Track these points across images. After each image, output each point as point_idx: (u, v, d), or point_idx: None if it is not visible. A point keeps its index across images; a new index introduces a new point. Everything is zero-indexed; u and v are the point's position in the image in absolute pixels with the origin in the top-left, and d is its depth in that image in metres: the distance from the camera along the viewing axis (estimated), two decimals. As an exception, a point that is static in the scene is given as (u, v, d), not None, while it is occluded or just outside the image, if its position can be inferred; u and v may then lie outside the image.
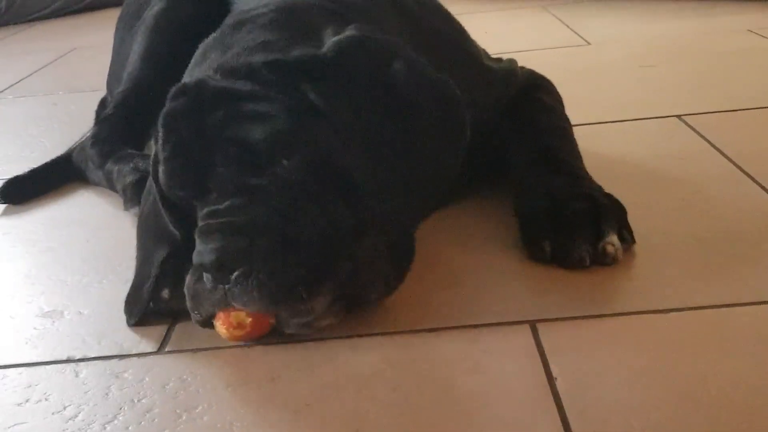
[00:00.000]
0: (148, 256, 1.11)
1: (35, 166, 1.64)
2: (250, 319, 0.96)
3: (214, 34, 1.16)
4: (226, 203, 0.96)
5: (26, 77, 2.71)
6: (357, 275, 0.96)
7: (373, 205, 0.99)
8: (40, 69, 2.82)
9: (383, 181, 1.01)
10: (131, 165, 1.48)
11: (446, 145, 1.08)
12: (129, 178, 1.45)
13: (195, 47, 1.60)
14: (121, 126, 1.60)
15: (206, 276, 0.93)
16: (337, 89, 1.01)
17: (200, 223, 0.98)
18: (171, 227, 1.07)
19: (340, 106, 1.01)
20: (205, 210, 0.98)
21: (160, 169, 1.03)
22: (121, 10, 1.84)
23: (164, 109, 1.02)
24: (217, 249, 0.92)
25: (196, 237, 0.96)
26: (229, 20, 1.17)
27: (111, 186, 1.53)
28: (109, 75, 1.83)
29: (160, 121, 1.02)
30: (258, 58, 1.03)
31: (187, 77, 1.11)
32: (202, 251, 0.94)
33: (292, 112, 0.99)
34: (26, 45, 3.34)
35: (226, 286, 0.92)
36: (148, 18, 1.65)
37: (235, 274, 0.91)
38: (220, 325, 0.97)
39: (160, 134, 1.02)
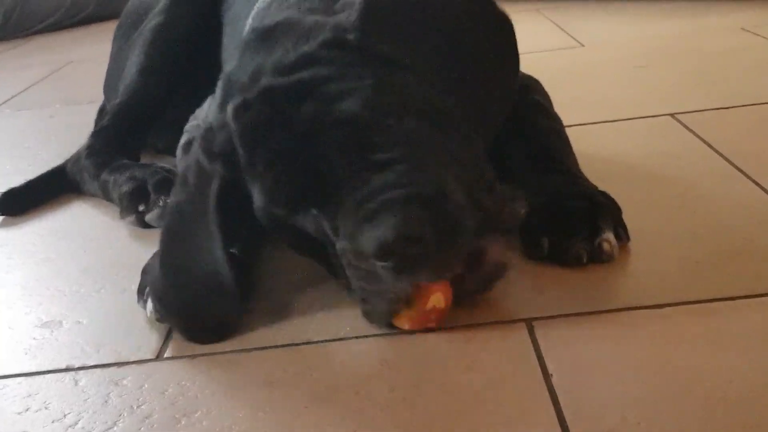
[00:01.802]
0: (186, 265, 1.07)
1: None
2: (443, 299, 0.96)
3: (238, 55, 1.09)
4: (372, 184, 0.91)
5: (23, 91, 2.72)
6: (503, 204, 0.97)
7: (474, 137, 1.00)
8: (37, 82, 2.83)
9: (470, 112, 1.01)
10: (127, 174, 1.48)
11: (499, 46, 1.10)
12: (125, 188, 1.45)
13: (191, 62, 1.62)
14: (116, 137, 1.61)
15: (387, 264, 0.88)
16: (386, 35, 1.00)
17: (347, 218, 0.91)
18: (217, 251, 1.04)
19: (404, 48, 1.00)
20: (350, 202, 0.91)
21: (256, 188, 0.98)
22: (120, 19, 1.86)
23: (238, 127, 0.98)
24: (395, 226, 0.86)
25: (351, 231, 0.91)
26: (245, 38, 1.11)
27: (107, 196, 1.53)
28: (106, 82, 1.85)
29: (239, 140, 0.97)
30: (306, 46, 1.00)
31: (221, 94, 1.07)
32: (378, 235, 0.86)
33: (375, 74, 0.96)
34: (23, 59, 3.35)
35: (413, 266, 0.88)
36: (146, 32, 1.66)
37: (426, 244, 0.87)
38: (409, 318, 0.97)
39: (243, 153, 0.98)
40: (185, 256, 1.07)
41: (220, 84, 1.09)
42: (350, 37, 0.99)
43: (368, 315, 0.99)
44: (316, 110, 0.95)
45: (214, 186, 1.04)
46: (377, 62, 0.97)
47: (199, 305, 1.06)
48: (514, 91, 1.14)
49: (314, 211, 0.97)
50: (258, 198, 0.98)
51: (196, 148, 1.09)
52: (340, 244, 0.95)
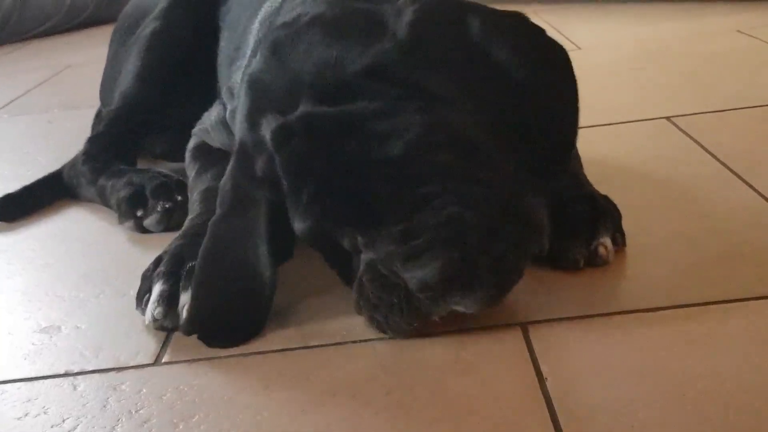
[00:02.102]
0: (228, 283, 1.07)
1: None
2: None
3: (259, 58, 1.08)
4: (414, 221, 0.93)
5: (21, 95, 2.72)
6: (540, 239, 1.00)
7: (511, 173, 1.00)
8: (35, 87, 2.83)
9: (509, 145, 1.01)
10: (125, 179, 1.49)
11: (555, 79, 1.07)
12: (123, 193, 1.46)
13: (187, 67, 1.63)
14: (112, 143, 1.62)
15: (426, 295, 0.93)
16: (431, 67, 0.99)
17: (391, 248, 0.94)
18: (263, 263, 1.05)
19: (446, 83, 0.99)
20: (393, 234, 0.94)
21: (298, 217, 0.98)
22: (117, 23, 1.87)
23: (282, 155, 0.98)
24: (439, 269, 0.90)
25: (396, 263, 0.93)
26: (273, 35, 1.08)
27: (104, 201, 1.54)
28: (102, 87, 1.85)
29: (282, 169, 0.98)
30: (348, 70, 0.98)
31: (244, 106, 1.06)
32: (423, 276, 0.91)
33: (420, 111, 0.96)
34: (21, 63, 3.36)
35: (452, 299, 0.93)
36: (142, 37, 1.67)
37: (462, 283, 0.92)
38: None
39: (288, 182, 0.98)
40: (225, 270, 1.08)
41: (244, 86, 1.07)
42: (395, 68, 0.98)
43: (379, 326, 1.00)
44: (361, 148, 0.95)
45: (263, 210, 1.04)
46: (422, 97, 0.97)
47: (234, 312, 1.07)
48: (572, 123, 1.12)
49: (358, 237, 0.98)
50: (300, 221, 0.99)
51: (231, 168, 1.09)
52: (367, 256, 0.97)
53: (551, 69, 1.07)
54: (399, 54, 0.99)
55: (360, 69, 0.98)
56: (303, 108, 0.98)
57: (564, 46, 1.09)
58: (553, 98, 1.07)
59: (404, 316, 0.96)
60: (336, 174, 0.96)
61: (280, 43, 1.05)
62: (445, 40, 1.02)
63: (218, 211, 1.10)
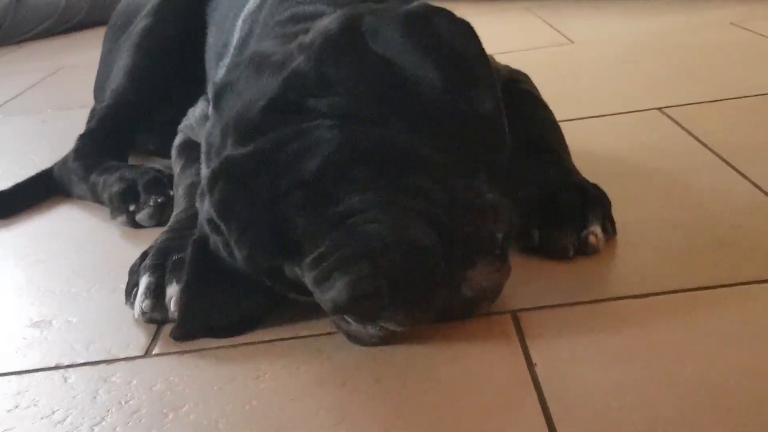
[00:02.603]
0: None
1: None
2: None
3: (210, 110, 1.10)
4: (326, 243, 0.92)
5: (15, 97, 2.72)
6: (474, 242, 0.94)
7: (450, 173, 0.98)
8: (29, 88, 2.84)
9: (440, 147, 0.99)
10: (117, 175, 1.49)
11: (466, 70, 1.05)
12: (115, 188, 1.46)
13: (179, 63, 1.63)
14: (104, 140, 1.62)
15: (348, 318, 0.92)
16: (335, 88, 0.99)
17: (308, 275, 0.92)
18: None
19: (353, 100, 0.98)
20: (308, 261, 0.93)
21: (236, 253, 0.99)
22: (110, 21, 1.88)
23: (211, 201, 0.99)
24: (346, 286, 0.87)
25: (313, 289, 0.92)
26: (219, 82, 1.09)
27: (96, 197, 1.54)
28: (96, 84, 1.86)
29: (214, 213, 0.99)
30: (257, 107, 1.00)
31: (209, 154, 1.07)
32: (332, 297, 0.89)
33: (325, 130, 0.96)
34: (15, 65, 3.36)
35: (376, 317, 0.92)
36: (133, 35, 1.67)
37: (376, 302, 0.88)
38: None
39: (221, 225, 0.99)
40: (213, 272, 1.07)
41: (203, 144, 1.09)
42: (299, 97, 0.98)
43: (348, 337, 0.98)
44: (272, 178, 0.96)
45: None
46: (331, 117, 0.97)
47: (228, 305, 1.07)
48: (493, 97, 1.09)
49: (286, 267, 0.98)
50: (238, 257, 1.00)
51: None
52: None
53: (458, 60, 1.05)
54: (302, 81, 0.99)
55: (265, 104, 0.99)
56: (225, 152, 1.01)
57: (468, 22, 1.06)
58: (468, 79, 1.05)
59: (366, 330, 0.95)
60: (255, 210, 0.96)
61: (221, 93, 1.06)
62: (346, 58, 1.01)
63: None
